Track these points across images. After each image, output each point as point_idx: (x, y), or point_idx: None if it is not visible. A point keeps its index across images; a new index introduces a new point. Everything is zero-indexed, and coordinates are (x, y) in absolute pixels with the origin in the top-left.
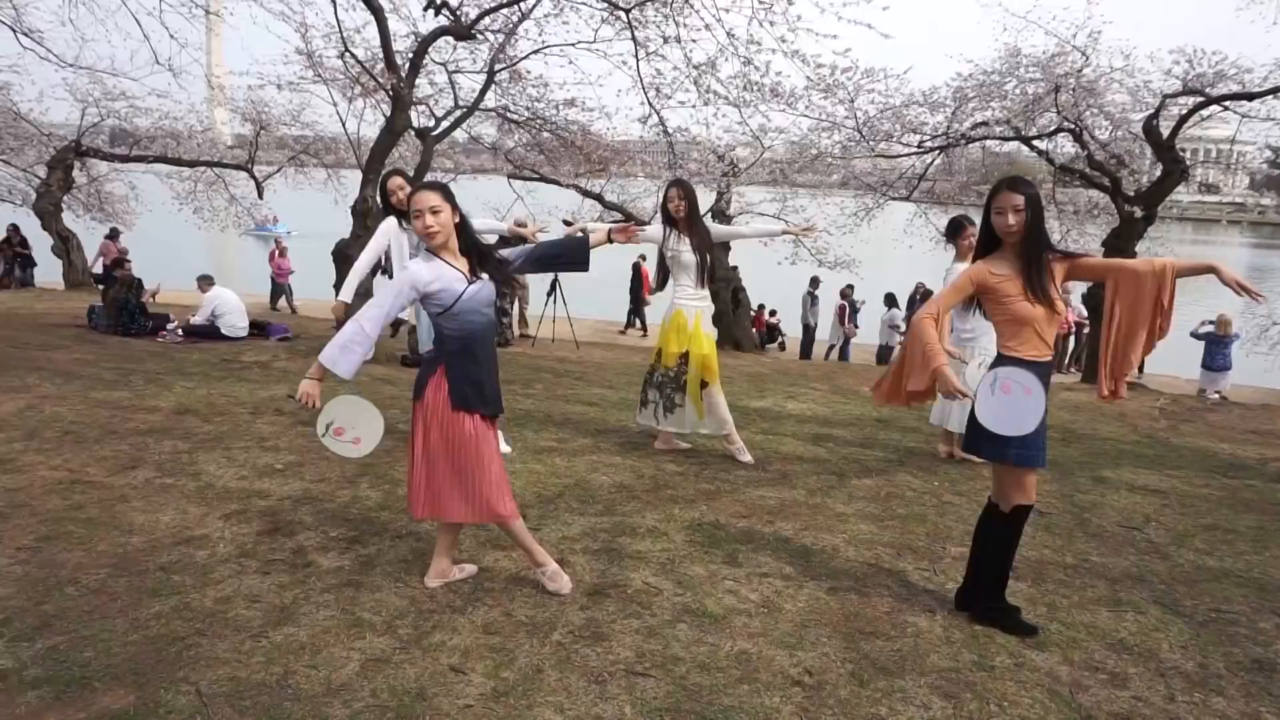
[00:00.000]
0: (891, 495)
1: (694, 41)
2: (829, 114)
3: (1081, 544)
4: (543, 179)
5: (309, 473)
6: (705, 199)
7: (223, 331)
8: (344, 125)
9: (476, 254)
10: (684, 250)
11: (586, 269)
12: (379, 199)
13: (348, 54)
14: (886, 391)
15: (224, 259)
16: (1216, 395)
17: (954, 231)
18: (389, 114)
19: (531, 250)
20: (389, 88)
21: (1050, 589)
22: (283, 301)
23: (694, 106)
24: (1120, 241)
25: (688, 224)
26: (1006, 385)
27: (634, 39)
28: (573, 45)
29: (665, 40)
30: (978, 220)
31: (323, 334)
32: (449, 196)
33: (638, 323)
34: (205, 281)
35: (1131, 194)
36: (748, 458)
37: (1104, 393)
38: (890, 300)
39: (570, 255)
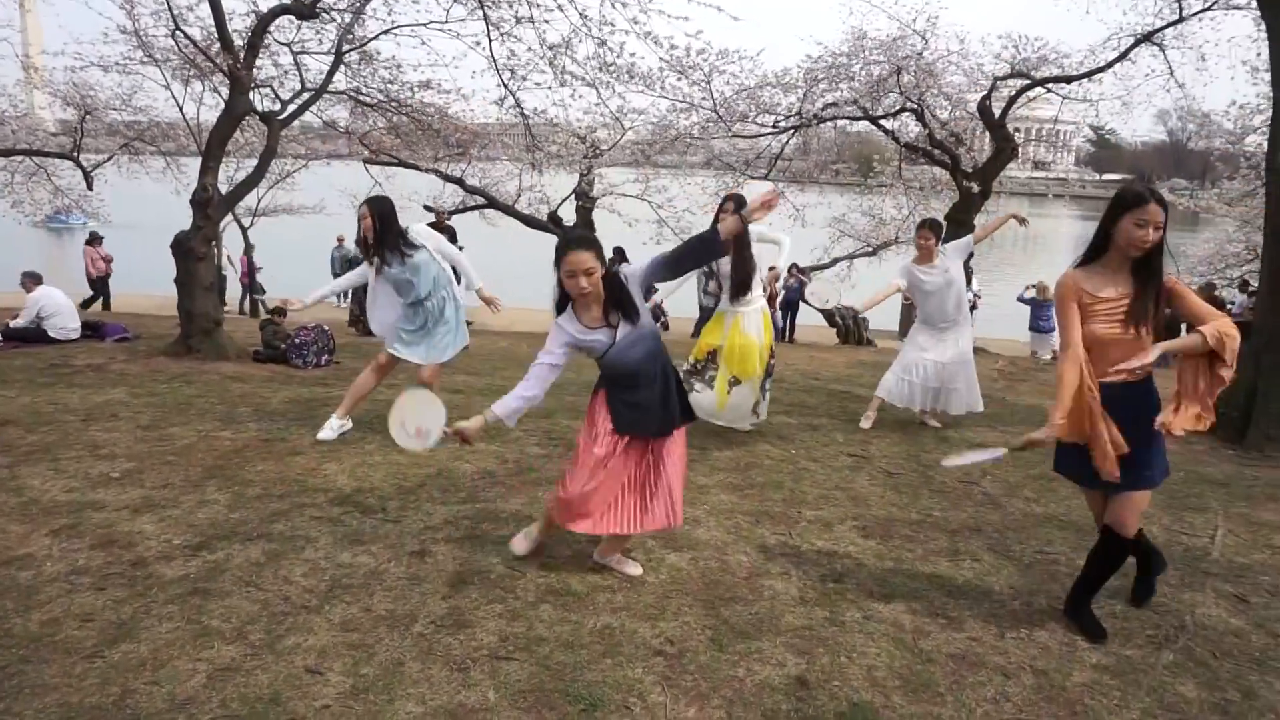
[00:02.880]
0: (751, 465)
1: (547, 22)
2: (686, 95)
3: (925, 500)
4: (401, 164)
5: (149, 479)
6: (568, 182)
7: (50, 334)
8: (181, 110)
9: (618, 306)
10: (723, 262)
11: (722, 254)
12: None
13: (179, 33)
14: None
15: (50, 256)
16: (1050, 355)
17: (917, 230)
18: (228, 98)
19: (661, 261)
20: (226, 69)
21: (896, 544)
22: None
23: (550, 88)
24: (961, 214)
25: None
26: None
27: (486, 19)
28: (424, 25)
29: (518, 20)
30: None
31: (165, 332)
32: (600, 255)
33: None
34: (31, 280)
35: (969, 170)
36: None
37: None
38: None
39: (704, 250)
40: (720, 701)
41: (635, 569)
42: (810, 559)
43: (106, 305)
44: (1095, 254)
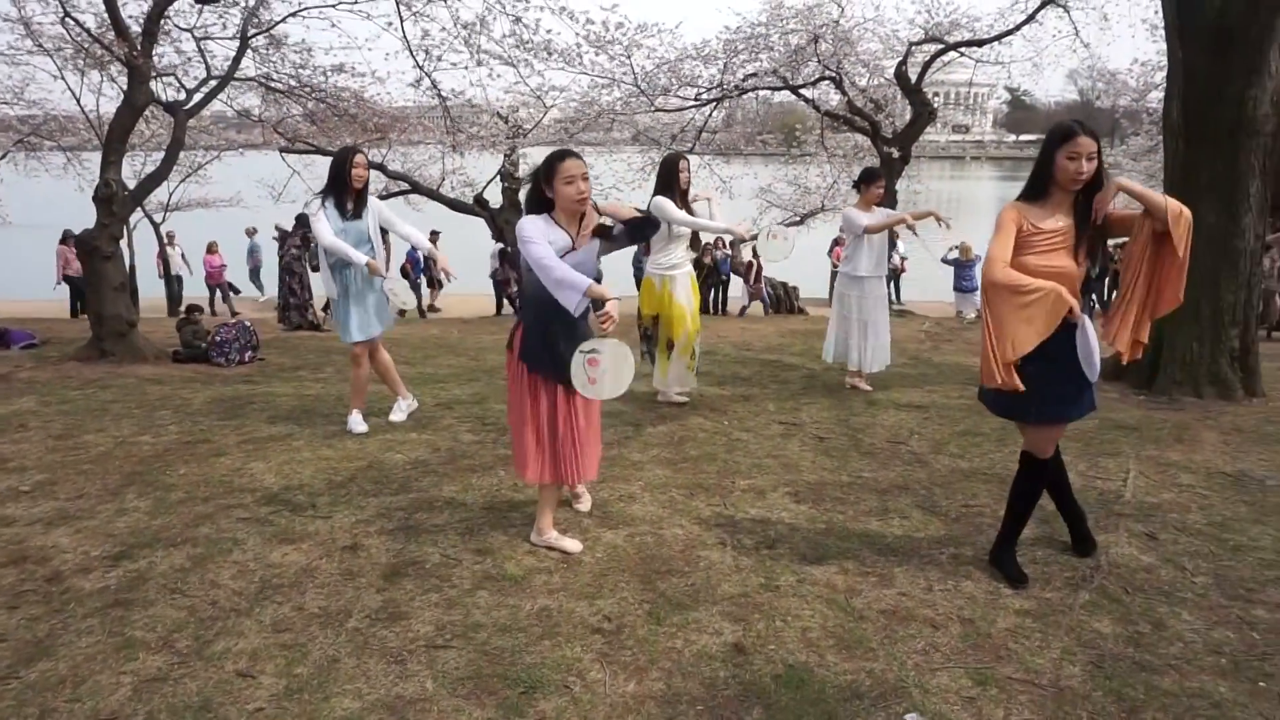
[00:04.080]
0: (684, 439)
1: (460, 0)
2: (606, 70)
3: (856, 462)
4: (319, 151)
5: (63, 490)
6: (493, 164)
7: None
8: (79, 102)
9: (597, 232)
10: (680, 215)
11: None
12: (341, 175)
13: (69, 19)
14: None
15: None
16: (973, 315)
17: (870, 179)
18: (127, 88)
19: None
20: (122, 58)
21: (828, 507)
22: (219, 303)
23: (467, 68)
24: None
25: (686, 195)
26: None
27: None
28: (333, 6)
29: None
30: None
31: (76, 336)
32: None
33: None
34: None
35: (889, 136)
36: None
37: (1126, 353)
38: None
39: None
40: (659, 674)
41: (574, 545)
42: (744, 527)
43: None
44: (1037, 194)
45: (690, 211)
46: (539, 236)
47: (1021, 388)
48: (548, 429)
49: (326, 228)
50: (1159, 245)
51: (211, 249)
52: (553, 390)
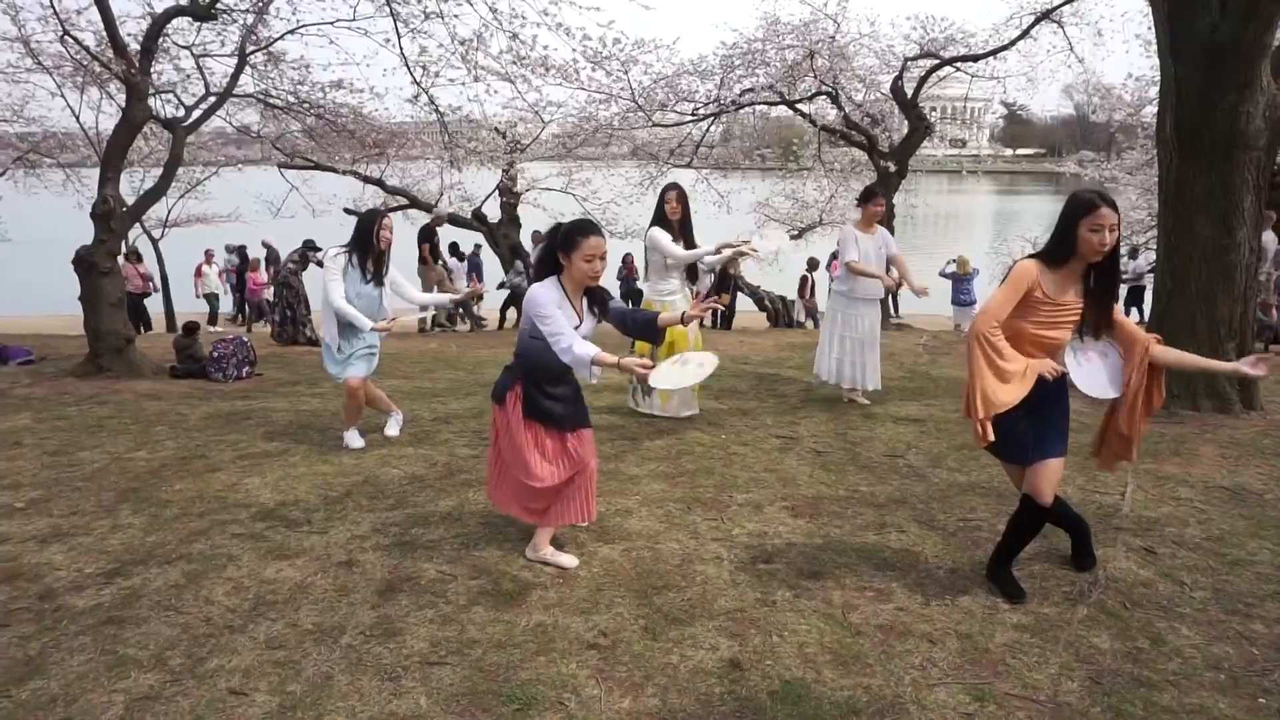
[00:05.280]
0: (682, 453)
1: (456, 17)
2: (604, 86)
3: (853, 476)
4: (318, 166)
5: (58, 506)
6: (491, 178)
7: None
8: (78, 119)
9: (592, 296)
10: (675, 249)
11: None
12: (369, 237)
13: (68, 38)
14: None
15: None
16: None
17: (868, 198)
18: (125, 105)
19: (615, 311)
20: (121, 75)
21: (825, 522)
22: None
23: (464, 84)
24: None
25: (682, 227)
26: (1088, 355)
27: (394, 15)
28: (331, 24)
29: (427, 16)
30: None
31: (74, 352)
32: None
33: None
34: None
35: (886, 150)
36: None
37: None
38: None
39: (638, 330)
40: (654, 690)
41: (570, 560)
42: (741, 542)
43: (147, 325)
44: (1056, 261)
45: (688, 240)
46: (554, 310)
47: (991, 439)
48: (564, 472)
49: (339, 290)
50: (1150, 376)
51: (254, 267)
52: (558, 435)
